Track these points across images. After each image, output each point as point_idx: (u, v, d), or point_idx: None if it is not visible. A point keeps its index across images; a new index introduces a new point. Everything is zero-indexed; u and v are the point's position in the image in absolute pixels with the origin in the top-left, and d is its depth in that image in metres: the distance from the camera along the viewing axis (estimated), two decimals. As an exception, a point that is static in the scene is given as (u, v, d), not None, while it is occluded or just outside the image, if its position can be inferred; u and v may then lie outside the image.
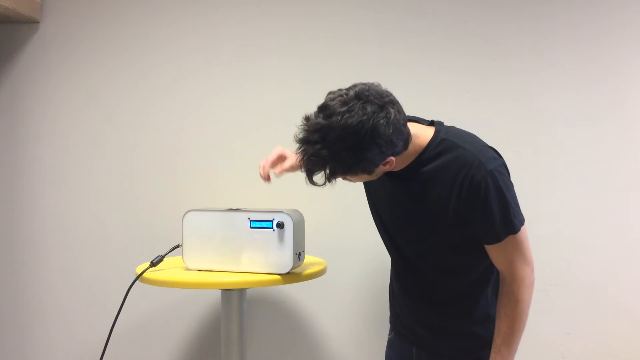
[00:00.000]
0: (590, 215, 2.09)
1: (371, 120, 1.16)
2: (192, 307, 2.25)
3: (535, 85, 2.12)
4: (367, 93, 1.20)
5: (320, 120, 1.19)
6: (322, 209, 2.18)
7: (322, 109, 1.21)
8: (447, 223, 1.31)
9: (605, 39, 2.10)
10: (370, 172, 1.24)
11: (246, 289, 1.80)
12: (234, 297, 1.76)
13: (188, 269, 1.72)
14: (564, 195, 2.10)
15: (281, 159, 1.60)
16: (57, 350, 2.29)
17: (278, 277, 1.62)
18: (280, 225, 1.61)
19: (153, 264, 1.71)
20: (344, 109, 1.17)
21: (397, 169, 1.33)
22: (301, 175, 2.20)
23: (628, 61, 2.09)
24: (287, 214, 1.62)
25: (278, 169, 1.58)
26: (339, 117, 1.17)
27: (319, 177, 1.25)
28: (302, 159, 1.22)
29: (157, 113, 2.27)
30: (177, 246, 1.74)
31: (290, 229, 1.61)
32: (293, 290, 2.22)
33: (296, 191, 2.21)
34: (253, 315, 2.22)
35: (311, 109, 2.37)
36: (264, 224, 1.64)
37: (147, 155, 2.27)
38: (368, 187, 1.55)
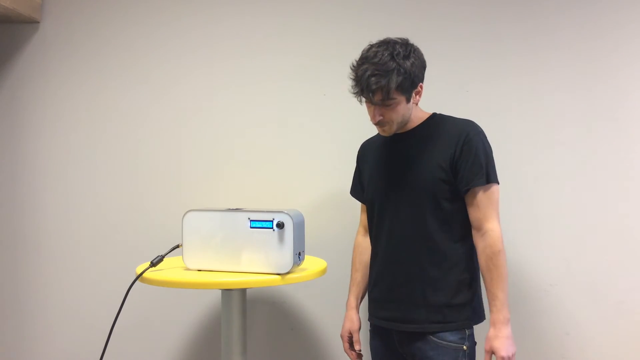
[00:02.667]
0: (590, 215, 2.09)
1: (410, 46, 1.56)
2: (192, 307, 2.25)
3: (535, 86, 2.12)
4: (394, 39, 1.56)
5: (368, 60, 1.48)
6: (322, 209, 2.18)
7: (365, 58, 1.50)
8: (444, 173, 1.57)
9: (605, 39, 2.10)
10: (409, 97, 1.56)
11: (246, 289, 1.80)
12: (234, 297, 1.76)
13: (188, 269, 1.72)
14: (564, 195, 2.10)
15: (349, 335, 1.82)
16: (57, 350, 2.29)
17: (278, 277, 1.62)
18: (280, 225, 1.61)
19: (153, 264, 1.71)
20: (383, 44, 1.52)
21: (402, 130, 1.65)
22: (301, 175, 2.21)
23: (628, 61, 2.09)
24: (287, 214, 1.62)
25: (357, 345, 1.80)
26: (385, 46, 1.50)
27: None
28: (363, 81, 1.47)
29: (157, 113, 2.27)
30: (177, 246, 1.74)
31: (290, 229, 1.61)
32: (293, 290, 2.22)
33: (296, 191, 2.22)
34: (253, 315, 2.22)
35: (312, 108, 2.36)
36: (264, 224, 1.64)
37: (147, 155, 2.27)
38: (366, 160, 1.80)
